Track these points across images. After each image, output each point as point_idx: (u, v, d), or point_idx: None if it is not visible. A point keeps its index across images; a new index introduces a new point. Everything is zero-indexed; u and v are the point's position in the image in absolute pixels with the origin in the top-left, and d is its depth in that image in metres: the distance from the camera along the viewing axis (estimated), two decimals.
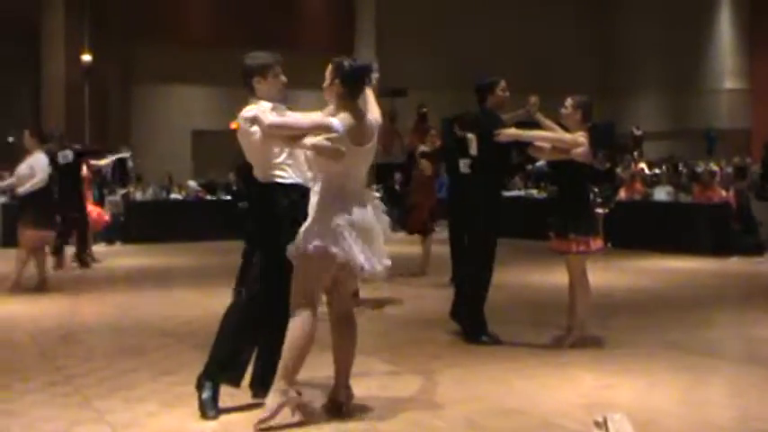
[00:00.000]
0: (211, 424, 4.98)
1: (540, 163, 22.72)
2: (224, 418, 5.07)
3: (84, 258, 13.33)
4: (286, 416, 4.90)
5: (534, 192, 19.37)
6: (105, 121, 21.79)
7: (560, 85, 26.63)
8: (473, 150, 7.55)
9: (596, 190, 17.74)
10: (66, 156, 13.21)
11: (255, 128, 5.07)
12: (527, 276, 11.73)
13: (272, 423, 4.83)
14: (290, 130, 5.03)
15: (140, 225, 16.89)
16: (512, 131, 7.16)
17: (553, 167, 7.56)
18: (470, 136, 7.58)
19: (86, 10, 22.82)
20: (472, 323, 7.40)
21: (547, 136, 7.20)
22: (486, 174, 7.52)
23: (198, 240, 16.90)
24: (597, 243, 7.14)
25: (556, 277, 11.20)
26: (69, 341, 7.66)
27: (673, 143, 25.96)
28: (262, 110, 5.09)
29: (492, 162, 7.46)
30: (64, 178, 13.04)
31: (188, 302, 9.88)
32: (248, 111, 5.16)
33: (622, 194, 16.84)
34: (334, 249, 4.81)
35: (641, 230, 15.30)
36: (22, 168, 10.50)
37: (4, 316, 8.87)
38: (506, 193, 19.22)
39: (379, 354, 6.66)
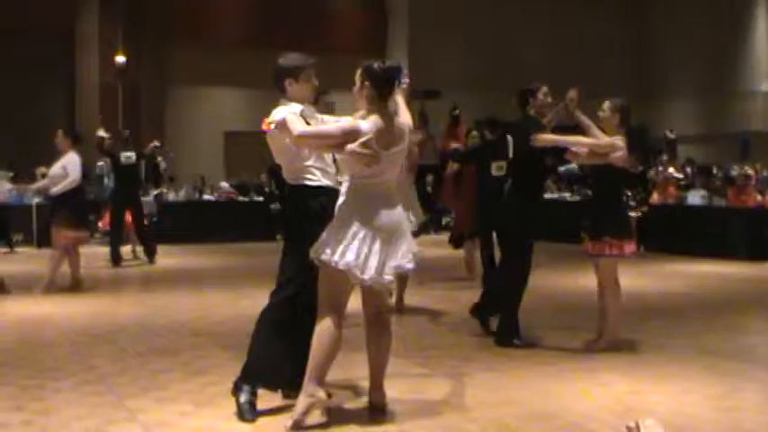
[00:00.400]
0: (244, 424, 4.99)
1: (571, 165, 22.66)
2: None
3: (150, 251, 13.91)
4: (315, 417, 4.91)
5: (567, 195, 19.28)
6: (138, 123, 21.90)
7: (593, 86, 26.58)
8: (510, 153, 7.52)
9: (629, 193, 17.69)
10: (130, 157, 13.81)
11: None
12: (559, 279, 11.67)
13: (303, 424, 4.84)
14: (320, 140, 5.06)
15: (173, 226, 16.97)
16: (549, 137, 7.15)
17: (589, 171, 7.50)
18: (509, 138, 7.56)
19: (121, 12, 22.99)
20: (505, 327, 7.38)
21: (584, 141, 7.15)
22: (522, 178, 7.50)
23: (230, 241, 16.99)
24: (630, 247, 7.09)
25: (588, 280, 11.13)
26: (102, 341, 7.71)
27: (707, 147, 25.75)
28: (291, 112, 5.09)
29: (528, 166, 7.45)
30: (125, 178, 13.47)
31: (220, 303, 9.92)
32: (278, 113, 5.17)
33: (655, 198, 16.73)
34: (338, 262, 4.83)
35: (675, 235, 15.18)
36: (56, 169, 10.58)
37: (38, 315, 8.95)
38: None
39: (411, 356, 6.66)
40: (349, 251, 4.84)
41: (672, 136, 25.62)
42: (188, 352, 7.11)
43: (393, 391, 5.34)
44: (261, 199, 19.16)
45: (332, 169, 5.32)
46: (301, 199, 5.23)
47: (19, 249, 15.62)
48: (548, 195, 19.46)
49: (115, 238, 13.68)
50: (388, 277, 5.00)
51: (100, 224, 15.52)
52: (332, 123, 5.20)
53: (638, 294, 10.73)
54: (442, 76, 23.74)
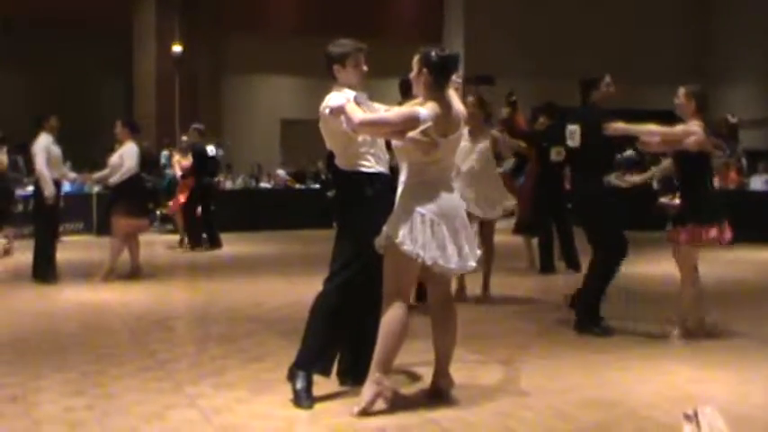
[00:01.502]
0: (300, 411, 5.01)
1: (630, 152, 22.39)
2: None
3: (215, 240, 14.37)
4: (379, 405, 4.92)
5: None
6: (195, 112, 22.11)
7: (652, 70, 26.27)
8: (574, 142, 7.48)
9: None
10: (213, 149, 14.54)
11: (341, 119, 5.05)
12: (628, 267, 11.51)
13: (370, 411, 4.86)
14: (380, 128, 5.04)
15: (230, 214, 17.11)
16: (621, 126, 7.15)
17: (650, 158, 7.46)
18: (573, 127, 7.51)
19: (177, 2, 23.21)
20: (585, 314, 7.34)
21: (656, 129, 7.12)
22: (589, 167, 7.46)
23: (286, 229, 17.08)
24: (711, 232, 7.06)
25: (658, 268, 11.01)
26: (161, 327, 7.81)
27: None
28: (346, 98, 5.07)
29: (596, 155, 7.42)
30: (205, 169, 14.20)
31: (276, 290, 9.98)
32: (333, 99, 5.17)
33: (716, 184, 16.45)
34: (410, 248, 4.82)
35: (736, 220, 14.88)
36: (114, 158, 10.73)
37: (98, 303, 9.09)
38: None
39: (468, 344, 6.62)
40: (425, 240, 4.84)
41: (733, 120, 25.19)
42: (244, 339, 7.16)
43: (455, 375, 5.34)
44: (317, 186, 19.23)
45: (385, 155, 5.31)
46: (356, 185, 5.22)
47: (77, 238, 15.87)
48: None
49: (197, 224, 14.26)
50: (472, 263, 5.04)
51: (168, 206, 15.62)
52: (392, 110, 5.15)
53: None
54: (496, 63, 23.57)
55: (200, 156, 14.28)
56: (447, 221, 4.93)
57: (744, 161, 18.10)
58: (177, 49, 22.86)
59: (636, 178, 8.31)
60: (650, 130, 7.14)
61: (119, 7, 22.73)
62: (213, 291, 9.95)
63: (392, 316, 4.90)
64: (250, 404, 5.21)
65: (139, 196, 11.00)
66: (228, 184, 19.05)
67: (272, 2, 24.61)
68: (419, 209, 4.88)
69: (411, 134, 4.83)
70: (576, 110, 7.72)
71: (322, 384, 5.28)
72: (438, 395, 5.18)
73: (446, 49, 5.18)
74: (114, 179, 10.65)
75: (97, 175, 11.39)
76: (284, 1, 24.76)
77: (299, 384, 5.13)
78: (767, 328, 7.55)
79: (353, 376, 5.36)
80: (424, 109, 4.90)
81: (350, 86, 5.26)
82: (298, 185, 19.87)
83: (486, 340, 7.03)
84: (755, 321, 7.88)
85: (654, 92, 26.04)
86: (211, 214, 14.40)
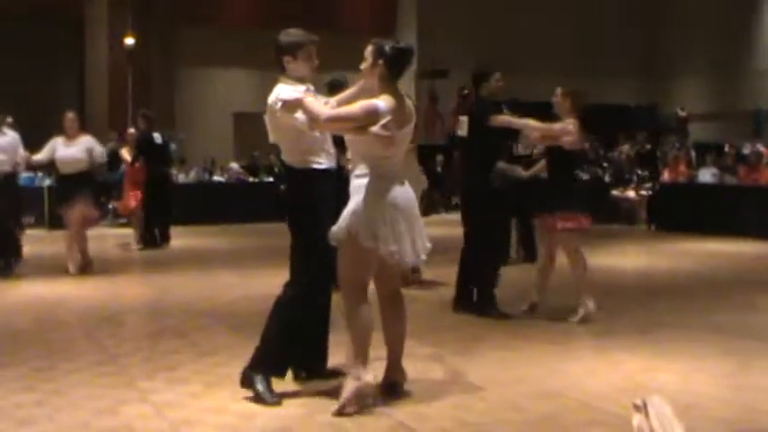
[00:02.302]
0: (253, 404, 5.00)
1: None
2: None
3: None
4: (361, 402, 4.88)
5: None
6: (148, 104, 21.83)
7: (604, 65, 26.49)
8: (463, 132, 7.84)
9: (639, 172, 17.67)
10: (159, 137, 14.09)
11: (299, 114, 4.93)
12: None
13: (349, 408, 4.81)
14: (346, 123, 4.89)
15: (183, 207, 16.96)
16: (505, 118, 7.57)
17: (545, 151, 7.93)
18: (463, 118, 7.89)
19: None
20: (482, 302, 7.78)
21: (536, 126, 7.55)
22: (477, 156, 7.80)
23: (240, 222, 17.00)
24: (580, 220, 7.43)
25: (604, 260, 11.13)
26: (113, 322, 7.75)
27: (718, 124, 25.60)
28: (297, 91, 4.97)
29: (483, 145, 7.73)
30: (156, 158, 13.69)
31: (229, 284, 9.94)
32: (284, 92, 5.03)
33: (666, 176, 16.68)
34: (369, 243, 4.80)
35: (685, 213, 15.15)
36: (78, 152, 10.66)
37: (50, 297, 8.99)
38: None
39: (422, 336, 6.65)
40: (385, 235, 4.82)
41: (683, 114, 25.51)
42: (198, 333, 7.13)
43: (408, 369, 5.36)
44: (271, 179, 19.18)
45: (333, 150, 5.24)
46: (308, 183, 5.11)
47: (29, 232, 15.66)
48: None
49: (150, 218, 13.76)
50: (424, 256, 5.07)
51: (118, 206, 15.35)
52: (354, 105, 4.94)
53: (648, 272, 10.74)
54: (449, 57, 23.64)
55: (146, 143, 13.75)
56: (403, 215, 4.92)
57: (693, 154, 18.37)
58: (130, 41, 22.62)
59: (523, 171, 8.70)
60: (532, 126, 7.58)
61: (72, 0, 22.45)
62: (166, 285, 9.89)
63: (358, 310, 4.89)
64: (203, 398, 5.19)
65: (94, 189, 10.99)
66: (182, 178, 18.90)
67: None
68: (377, 203, 4.84)
69: (374, 129, 4.74)
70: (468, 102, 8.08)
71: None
72: (392, 389, 5.17)
73: (401, 41, 5.14)
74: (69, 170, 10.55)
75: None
76: None
77: (261, 386, 5.05)
78: (715, 318, 7.68)
79: (307, 370, 5.38)
80: (382, 102, 4.83)
81: (299, 80, 5.12)
82: (251, 179, 19.78)
83: (438, 333, 7.06)
84: (704, 311, 8.01)
85: (607, 87, 26.33)
86: (167, 209, 13.99)
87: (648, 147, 19.70)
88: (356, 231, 4.81)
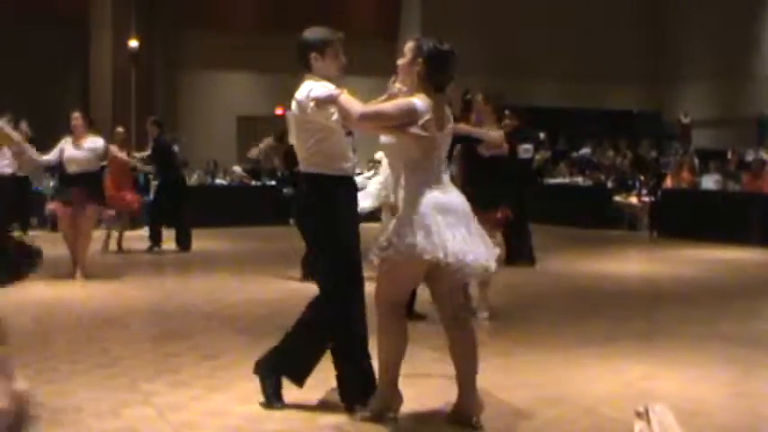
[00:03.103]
0: (255, 408, 5.00)
1: (584, 150, 22.60)
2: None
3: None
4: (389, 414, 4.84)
5: (579, 179, 19.23)
6: (151, 107, 21.86)
7: (608, 70, 26.50)
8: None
9: (641, 178, 17.66)
10: (175, 148, 14.55)
11: (333, 110, 4.63)
12: (571, 264, 11.65)
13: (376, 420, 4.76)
14: (382, 121, 4.60)
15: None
16: (464, 127, 7.41)
17: (462, 154, 7.94)
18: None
19: None
20: None
21: (479, 132, 7.54)
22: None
23: (242, 225, 17.00)
24: (498, 215, 7.60)
25: (606, 266, 11.14)
26: (116, 325, 7.74)
27: (721, 131, 25.59)
28: (328, 89, 4.68)
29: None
30: (171, 164, 13.96)
31: (231, 287, 9.94)
32: (315, 89, 4.71)
33: (669, 183, 16.68)
34: (427, 246, 4.39)
35: (688, 220, 15.14)
36: (84, 153, 10.68)
37: (52, 299, 8.99)
38: (551, 181, 19.21)
39: (426, 340, 6.63)
40: (447, 242, 4.41)
41: (686, 120, 25.52)
42: (200, 336, 7.13)
43: (406, 375, 5.32)
44: (273, 183, 19.20)
45: (354, 157, 5.09)
46: (330, 188, 4.80)
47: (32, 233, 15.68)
48: (560, 180, 19.48)
49: (156, 220, 13.73)
50: (494, 264, 4.64)
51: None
52: (389, 102, 4.65)
53: (650, 279, 10.73)
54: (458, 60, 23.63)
55: (163, 150, 13.83)
56: (463, 220, 4.55)
57: (696, 160, 18.37)
58: (134, 43, 22.65)
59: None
60: (478, 133, 7.54)
61: (76, 2, 22.48)
62: (168, 288, 9.90)
63: (392, 326, 4.68)
64: (206, 401, 5.19)
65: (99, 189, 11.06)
66: None
67: None
68: (430, 212, 4.47)
69: (413, 129, 4.49)
70: None
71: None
72: (465, 420, 4.75)
73: (444, 43, 4.78)
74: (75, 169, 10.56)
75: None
76: None
77: (270, 387, 4.99)
78: (718, 326, 7.67)
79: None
80: (417, 99, 4.56)
81: (327, 79, 4.82)
82: (254, 182, 19.79)
83: (440, 337, 7.03)
84: (706, 319, 7.99)
85: (611, 93, 26.35)
86: (184, 214, 13.82)
87: (654, 153, 19.74)
88: (413, 244, 4.41)
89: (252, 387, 5.14)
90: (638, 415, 4.16)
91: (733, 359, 6.38)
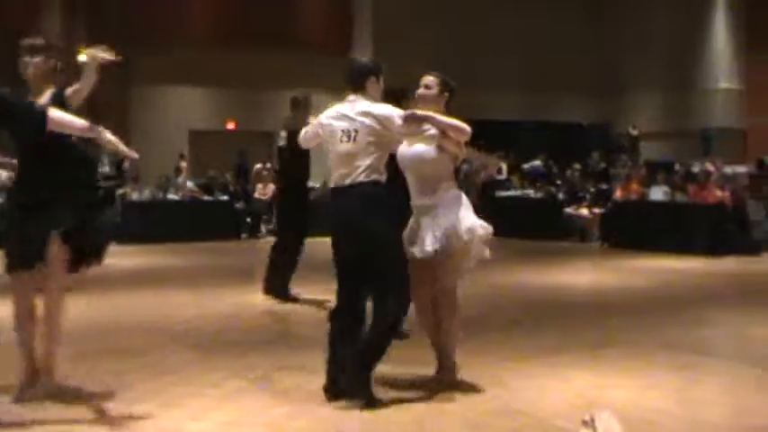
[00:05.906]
0: (210, 425, 4.99)
1: (537, 163, 22.82)
2: (219, 418, 5.10)
3: None
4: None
5: (530, 192, 19.37)
6: (103, 122, 21.71)
7: (558, 84, 26.77)
8: (283, 141, 9.16)
9: (592, 190, 17.87)
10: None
11: (429, 127, 5.41)
12: (522, 275, 11.74)
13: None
14: (464, 135, 5.49)
15: (136, 225, 16.83)
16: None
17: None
18: (283, 133, 9.24)
19: (82, 10, 22.80)
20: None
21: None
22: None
23: (194, 241, 16.87)
24: None
25: (557, 277, 11.23)
26: (64, 341, 7.59)
27: (670, 143, 25.97)
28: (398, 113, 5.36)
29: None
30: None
31: (184, 303, 9.87)
32: (384, 107, 5.39)
33: (618, 194, 16.89)
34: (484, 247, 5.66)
35: (637, 230, 15.35)
36: None
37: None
38: (502, 193, 19.36)
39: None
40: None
41: (634, 132, 25.88)
42: (153, 352, 7.08)
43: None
44: (226, 198, 19.14)
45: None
46: (388, 194, 5.36)
47: None
48: (511, 192, 19.63)
49: None
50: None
51: None
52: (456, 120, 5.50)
53: (600, 289, 10.85)
54: (408, 75, 23.73)
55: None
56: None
57: (644, 172, 18.64)
58: (83, 58, 22.47)
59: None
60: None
61: (22, 13, 22.23)
62: (121, 303, 9.80)
63: (458, 305, 5.82)
64: (159, 418, 5.16)
65: None
66: (135, 196, 18.74)
67: (181, 12, 24.32)
68: (470, 209, 5.63)
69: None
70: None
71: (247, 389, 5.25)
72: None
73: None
74: None
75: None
76: (192, 12, 24.51)
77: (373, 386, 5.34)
78: (666, 334, 7.78)
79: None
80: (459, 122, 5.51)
81: (375, 99, 5.43)
82: (206, 197, 19.68)
83: (399, 350, 7.05)
84: (655, 328, 8.11)
85: (561, 105, 26.63)
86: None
87: (602, 165, 19.96)
88: (477, 230, 5.54)
89: (206, 403, 5.13)
90: (585, 424, 4.23)
91: (681, 366, 6.48)
